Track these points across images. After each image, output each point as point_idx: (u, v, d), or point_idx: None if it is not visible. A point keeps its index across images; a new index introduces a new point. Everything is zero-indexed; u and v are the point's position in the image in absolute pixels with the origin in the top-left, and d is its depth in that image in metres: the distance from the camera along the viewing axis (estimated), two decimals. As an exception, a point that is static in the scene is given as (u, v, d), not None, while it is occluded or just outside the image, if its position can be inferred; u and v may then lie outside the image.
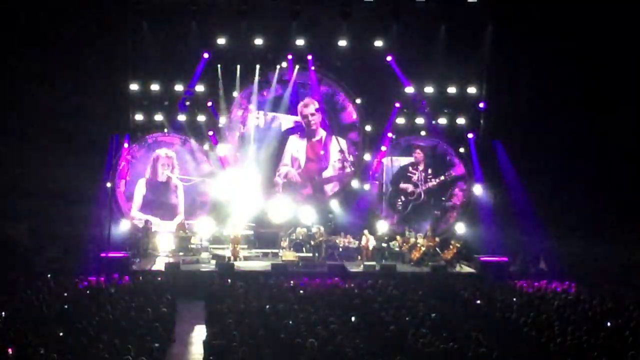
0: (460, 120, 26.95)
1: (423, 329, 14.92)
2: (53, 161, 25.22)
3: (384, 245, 24.92)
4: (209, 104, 26.44)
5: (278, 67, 26.72)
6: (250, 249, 25.24)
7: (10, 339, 13.81)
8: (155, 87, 26.10)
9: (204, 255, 24.51)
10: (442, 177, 27.47)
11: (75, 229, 24.68)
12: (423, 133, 27.45)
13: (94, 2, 24.75)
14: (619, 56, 25.16)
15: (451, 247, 24.63)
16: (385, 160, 27.59)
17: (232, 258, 23.90)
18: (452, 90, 26.86)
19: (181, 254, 24.71)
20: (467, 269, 24.26)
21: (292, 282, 20.34)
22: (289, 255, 24.03)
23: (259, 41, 25.92)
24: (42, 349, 13.13)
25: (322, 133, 27.55)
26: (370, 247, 24.65)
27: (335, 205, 27.14)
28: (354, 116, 27.45)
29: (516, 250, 24.63)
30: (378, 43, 26.29)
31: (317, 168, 27.64)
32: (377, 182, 27.68)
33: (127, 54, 25.77)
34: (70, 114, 25.20)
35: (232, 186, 26.38)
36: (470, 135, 26.98)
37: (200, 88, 26.34)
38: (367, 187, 27.38)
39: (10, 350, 13.24)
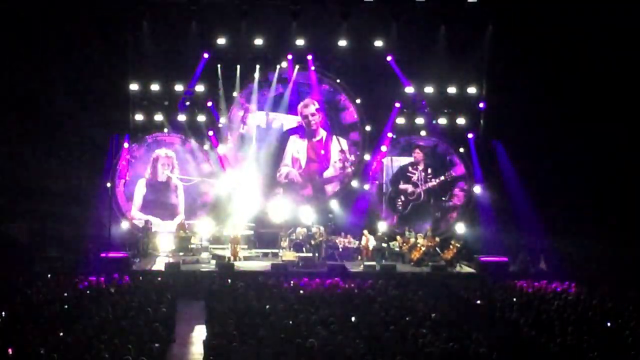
0: (460, 120, 26.94)
1: (423, 329, 14.92)
2: (53, 161, 25.27)
3: (384, 245, 24.90)
4: (209, 104, 26.45)
5: (278, 67, 26.73)
6: (250, 249, 25.23)
7: (10, 339, 13.81)
8: (155, 87, 26.10)
9: (204, 255, 24.51)
10: (442, 177, 27.47)
11: (75, 229, 24.72)
12: (423, 133, 27.45)
13: (94, 2, 24.74)
14: (619, 56, 25.15)
15: (451, 247, 24.61)
16: (385, 160, 27.60)
17: (232, 258, 23.90)
18: (452, 90, 26.85)
19: (181, 254, 24.70)
20: (467, 269, 24.24)
21: (292, 282, 20.34)
22: (289, 255, 24.03)
23: (259, 41, 25.92)
24: (42, 349, 13.14)
25: (322, 133, 27.55)
26: (370, 247, 24.64)
27: (335, 205, 27.15)
28: (355, 116, 27.45)
29: (516, 250, 24.62)
30: (378, 43, 26.29)
31: (318, 168, 27.65)
32: (377, 182, 27.70)
33: (127, 54, 25.76)
34: (70, 114, 25.25)
35: (232, 186, 26.41)
36: (470, 135, 26.99)
37: (200, 88, 26.34)
38: (367, 187, 27.39)
39: (10, 350, 13.24)
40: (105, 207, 25.25)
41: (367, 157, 27.37)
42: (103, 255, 23.11)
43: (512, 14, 25.15)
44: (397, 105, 26.97)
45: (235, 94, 26.74)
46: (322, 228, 24.92)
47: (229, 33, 25.90)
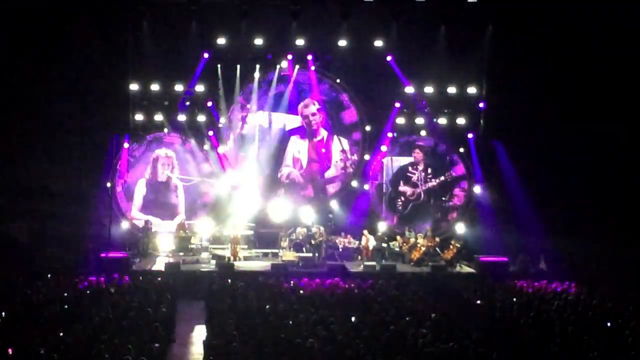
0: (460, 120, 26.93)
1: (423, 329, 14.93)
2: (53, 161, 25.26)
3: (384, 245, 24.88)
4: (209, 104, 26.45)
5: (278, 67, 26.74)
6: (250, 249, 25.22)
7: (10, 339, 13.81)
8: (155, 87, 26.09)
9: (204, 255, 24.50)
10: (442, 177, 27.47)
11: (75, 229, 24.69)
12: (423, 133, 27.45)
13: (94, 2, 24.74)
14: (619, 56, 25.14)
15: (451, 247, 24.60)
16: (385, 160, 27.59)
17: (232, 258, 23.90)
18: (452, 90, 26.84)
19: (181, 254, 24.69)
20: (467, 269, 24.23)
21: (292, 282, 20.34)
22: (289, 255, 24.02)
23: (259, 41, 25.91)
24: (42, 349, 13.14)
25: (323, 133, 27.55)
26: (370, 247, 24.63)
27: (335, 205, 27.15)
28: (356, 116, 27.45)
29: (516, 250, 24.61)
30: (378, 43, 26.28)
31: (320, 168, 27.65)
32: (377, 182, 27.70)
33: (127, 54, 25.75)
34: (70, 114, 25.24)
35: (232, 186, 26.40)
36: (470, 135, 26.99)
37: (200, 88, 26.33)
38: (367, 187, 27.39)
39: (10, 350, 13.24)
40: (105, 207, 25.27)
41: (367, 157, 27.38)
42: (103, 255, 23.09)
43: (512, 14, 25.14)
44: (397, 105, 26.97)
45: (235, 94, 26.73)
46: (322, 228, 24.91)
47: (229, 33, 25.90)
